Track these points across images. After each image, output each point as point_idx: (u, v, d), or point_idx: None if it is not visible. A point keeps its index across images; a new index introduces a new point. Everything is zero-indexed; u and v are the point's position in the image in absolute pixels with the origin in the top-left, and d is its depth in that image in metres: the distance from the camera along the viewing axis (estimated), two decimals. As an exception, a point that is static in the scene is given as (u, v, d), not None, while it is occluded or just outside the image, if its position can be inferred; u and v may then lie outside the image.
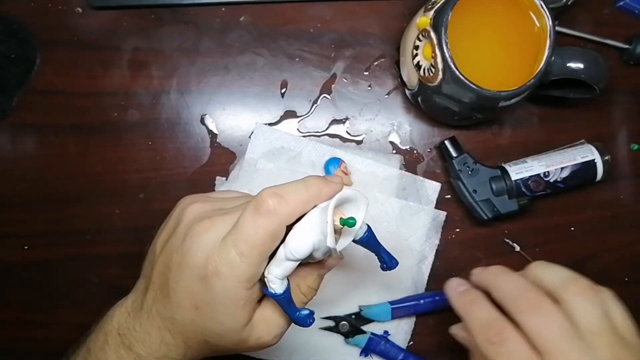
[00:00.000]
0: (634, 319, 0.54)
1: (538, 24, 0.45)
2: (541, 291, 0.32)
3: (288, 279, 0.31)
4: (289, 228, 0.30)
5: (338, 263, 0.35)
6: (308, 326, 0.32)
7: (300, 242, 0.29)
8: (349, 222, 0.29)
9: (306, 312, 0.32)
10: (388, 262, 0.35)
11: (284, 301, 0.31)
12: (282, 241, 0.30)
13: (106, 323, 0.33)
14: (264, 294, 0.32)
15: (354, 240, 0.32)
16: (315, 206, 0.30)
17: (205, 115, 0.53)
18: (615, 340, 0.30)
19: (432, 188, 0.52)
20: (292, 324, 0.33)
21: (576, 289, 0.32)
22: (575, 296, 0.31)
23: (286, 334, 0.34)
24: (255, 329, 0.32)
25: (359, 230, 0.32)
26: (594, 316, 0.30)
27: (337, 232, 0.31)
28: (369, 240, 0.33)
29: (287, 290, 0.31)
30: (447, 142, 0.51)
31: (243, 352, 0.34)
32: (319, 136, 0.53)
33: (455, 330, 0.38)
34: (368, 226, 0.33)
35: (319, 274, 0.34)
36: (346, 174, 0.51)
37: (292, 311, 0.32)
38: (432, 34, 0.43)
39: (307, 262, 0.33)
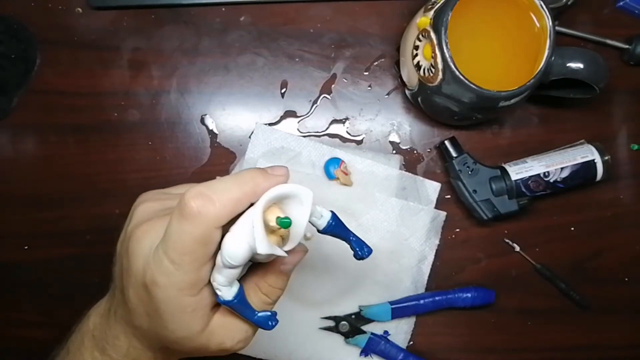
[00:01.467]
0: (634, 318, 0.55)
1: (538, 24, 0.45)
2: None
3: (240, 282, 0.29)
4: (227, 229, 0.27)
5: (301, 258, 0.31)
6: (270, 329, 0.30)
7: (235, 247, 0.26)
8: (283, 223, 0.26)
9: (266, 314, 0.30)
10: (359, 250, 0.31)
11: (237, 306, 0.28)
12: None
13: (84, 324, 0.33)
14: None
15: (319, 231, 0.30)
16: (252, 204, 0.27)
17: (205, 115, 0.53)
18: None
19: (432, 188, 0.52)
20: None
21: None
22: None
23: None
24: (215, 334, 0.29)
25: (319, 221, 0.29)
26: None
27: (278, 234, 0.28)
28: (335, 229, 0.30)
29: (239, 295, 0.28)
30: (447, 142, 0.51)
31: (213, 355, 0.31)
32: (319, 136, 0.53)
33: None
34: (332, 213, 0.30)
35: (281, 271, 0.31)
36: (346, 174, 0.51)
37: (250, 315, 0.29)
38: (432, 34, 0.43)
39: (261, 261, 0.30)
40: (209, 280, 0.28)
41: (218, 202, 0.26)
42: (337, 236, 0.31)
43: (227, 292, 0.28)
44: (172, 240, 0.26)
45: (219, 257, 0.27)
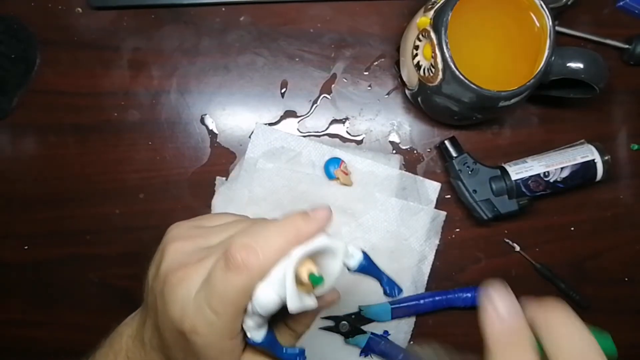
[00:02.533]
0: (634, 318, 0.55)
1: (538, 24, 0.45)
2: None
3: (269, 324, 0.29)
4: None
5: (331, 304, 0.31)
6: None
7: (266, 299, 0.26)
8: (315, 280, 0.26)
9: (294, 352, 0.30)
10: (390, 290, 0.32)
11: (267, 347, 0.29)
12: None
13: (116, 341, 0.33)
14: None
15: (349, 270, 0.30)
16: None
17: (205, 115, 0.53)
18: None
19: (432, 188, 0.52)
20: None
21: None
22: None
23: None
24: None
25: (350, 261, 0.29)
26: None
27: (309, 285, 0.28)
28: (367, 269, 0.30)
29: (269, 336, 0.29)
30: (447, 142, 0.51)
31: None
32: (319, 136, 0.53)
33: None
34: (364, 254, 0.30)
35: (314, 314, 0.31)
36: (346, 174, 0.51)
37: (279, 353, 0.30)
38: (432, 34, 0.43)
39: None
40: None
41: (262, 255, 0.26)
42: (368, 274, 0.31)
43: (257, 335, 0.29)
44: (217, 291, 0.26)
45: (249, 304, 0.27)
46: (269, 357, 0.31)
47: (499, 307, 0.24)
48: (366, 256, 0.30)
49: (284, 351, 0.30)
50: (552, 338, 0.23)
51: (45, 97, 0.52)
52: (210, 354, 0.28)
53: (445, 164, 0.52)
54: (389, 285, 0.32)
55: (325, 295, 0.30)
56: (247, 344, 0.30)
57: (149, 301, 0.31)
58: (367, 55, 0.54)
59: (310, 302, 0.28)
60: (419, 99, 0.49)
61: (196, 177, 0.52)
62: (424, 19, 0.44)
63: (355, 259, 0.29)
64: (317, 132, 0.53)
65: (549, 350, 0.23)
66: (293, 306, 0.26)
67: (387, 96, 0.54)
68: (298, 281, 0.27)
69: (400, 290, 0.32)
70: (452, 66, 0.42)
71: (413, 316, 0.52)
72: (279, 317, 0.31)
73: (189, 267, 0.28)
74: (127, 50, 0.52)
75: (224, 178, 0.52)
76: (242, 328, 0.28)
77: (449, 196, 0.53)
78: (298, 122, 0.53)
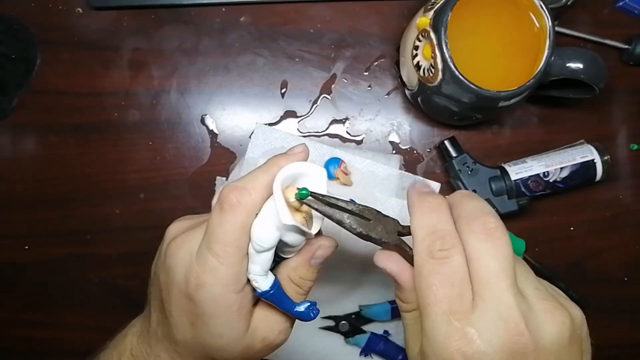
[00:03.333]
0: (634, 318, 0.55)
1: (538, 25, 0.45)
2: (501, 222, 0.27)
3: (275, 275, 0.30)
4: None
5: (330, 251, 0.32)
6: (312, 319, 0.30)
7: (262, 229, 0.28)
8: (301, 194, 0.28)
9: (305, 304, 0.30)
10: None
11: (275, 297, 0.29)
12: None
13: (120, 342, 0.33)
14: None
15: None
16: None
17: (205, 115, 0.53)
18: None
19: (432, 188, 0.52)
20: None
21: None
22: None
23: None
24: (258, 330, 0.30)
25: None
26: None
27: (301, 213, 0.29)
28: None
29: (275, 285, 0.29)
30: (446, 142, 0.51)
31: (256, 358, 0.32)
32: (319, 136, 0.53)
33: (384, 258, 0.30)
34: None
35: (311, 264, 0.31)
36: (346, 174, 0.51)
37: (289, 306, 0.30)
38: (432, 35, 0.43)
39: (294, 253, 0.31)
40: (248, 280, 0.29)
41: (252, 190, 0.28)
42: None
43: (264, 282, 0.29)
44: (215, 233, 0.27)
45: (250, 247, 0.28)
46: (279, 312, 0.31)
47: (417, 186, 0.31)
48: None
49: (295, 305, 0.30)
50: (458, 206, 0.29)
51: (46, 97, 0.52)
52: (217, 312, 0.28)
53: (445, 164, 0.52)
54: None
55: (323, 240, 0.31)
56: (257, 301, 0.31)
57: (153, 290, 0.31)
58: (367, 55, 0.54)
59: (305, 228, 0.28)
60: (418, 99, 0.49)
61: (196, 177, 0.52)
62: (423, 19, 0.44)
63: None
64: (317, 132, 0.53)
65: (454, 210, 0.29)
66: (286, 219, 0.27)
67: (387, 96, 0.54)
68: (290, 208, 0.28)
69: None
70: (452, 66, 0.42)
71: (413, 316, 0.52)
72: (283, 272, 0.31)
73: (187, 232, 0.30)
74: (127, 51, 0.53)
75: (224, 178, 0.52)
76: (249, 281, 0.29)
77: (448, 196, 0.53)
78: (298, 122, 0.53)
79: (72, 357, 0.51)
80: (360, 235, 0.28)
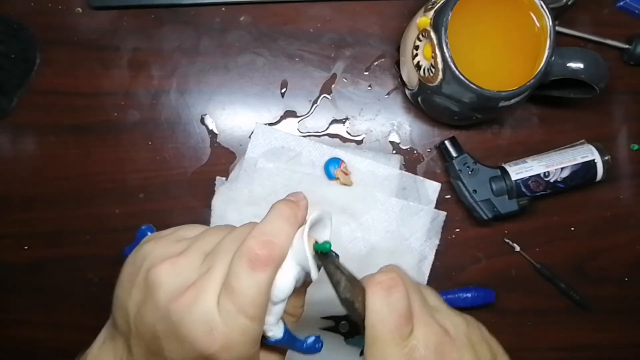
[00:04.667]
0: (634, 318, 0.55)
1: (538, 24, 0.45)
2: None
3: (283, 319, 0.29)
4: None
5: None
6: (318, 351, 0.31)
7: (284, 281, 0.27)
8: (324, 247, 0.27)
9: (311, 338, 0.31)
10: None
11: (287, 341, 0.29)
12: None
13: None
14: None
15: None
16: None
17: (205, 115, 0.53)
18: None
19: (432, 188, 0.52)
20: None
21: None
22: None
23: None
24: None
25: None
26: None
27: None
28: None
29: (286, 329, 0.29)
30: (447, 142, 0.51)
31: None
32: (319, 136, 0.53)
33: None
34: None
35: (299, 292, 0.31)
36: (346, 173, 0.51)
37: (299, 345, 0.30)
38: (432, 34, 0.43)
39: None
40: None
41: (280, 243, 0.26)
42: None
43: (278, 330, 0.28)
44: (249, 295, 0.25)
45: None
46: (274, 351, 0.30)
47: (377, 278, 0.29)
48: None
49: (304, 343, 0.30)
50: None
51: (45, 97, 0.52)
52: None
53: (445, 164, 0.52)
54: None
55: None
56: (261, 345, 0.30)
57: (140, 333, 0.28)
58: (367, 55, 0.54)
59: (315, 275, 0.28)
60: (419, 99, 0.49)
61: (196, 177, 0.52)
62: (424, 19, 0.44)
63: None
64: (317, 132, 0.53)
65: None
66: (316, 275, 0.27)
67: (387, 96, 0.54)
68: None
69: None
70: (452, 66, 0.42)
71: (413, 316, 0.52)
72: None
73: (197, 284, 0.26)
74: (127, 50, 0.52)
75: (224, 178, 0.52)
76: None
77: (449, 196, 0.53)
78: (298, 122, 0.53)
79: (72, 357, 0.51)
80: (345, 301, 0.28)
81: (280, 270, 0.27)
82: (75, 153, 0.52)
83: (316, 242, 0.28)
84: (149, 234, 0.34)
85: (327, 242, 0.28)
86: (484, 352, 0.30)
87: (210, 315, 0.25)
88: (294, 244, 0.27)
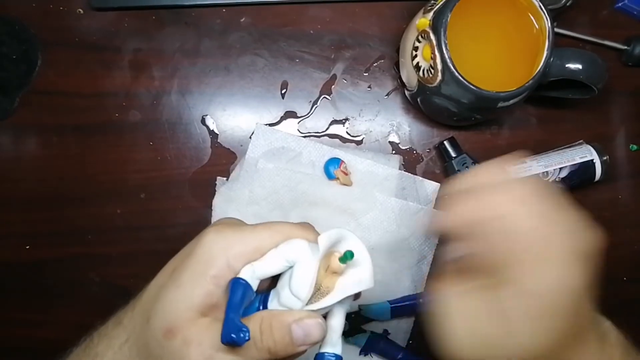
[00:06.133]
0: (634, 318, 0.55)
1: (537, 25, 0.45)
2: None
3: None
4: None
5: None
6: None
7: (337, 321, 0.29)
8: (347, 256, 0.27)
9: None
10: None
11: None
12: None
13: None
14: None
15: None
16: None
17: (206, 115, 0.53)
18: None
19: (432, 188, 0.53)
20: None
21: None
22: None
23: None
24: None
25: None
26: None
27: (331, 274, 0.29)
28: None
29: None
30: (446, 143, 0.52)
31: None
32: (319, 136, 0.53)
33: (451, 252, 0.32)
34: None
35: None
36: (346, 174, 0.51)
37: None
38: (432, 35, 0.43)
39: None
40: None
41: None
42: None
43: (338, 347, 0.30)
44: None
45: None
46: None
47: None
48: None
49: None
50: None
51: (47, 98, 0.52)
52: None
53: (444, 164, 0.53)
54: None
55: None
56: None
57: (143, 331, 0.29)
58: (367, 56, 0.54)
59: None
60: (418, 99, 0.49)
61: (197, 177, 0.52)
62: (423, 20, 0.45)
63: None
64: (317, 132, 0.53)
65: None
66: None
67: (386, 97, 0.54)
68: (330, 270, 0.28)
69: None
70: (451, 67, 0.43)
71: (412, 315, 0.52)
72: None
73: None
74: (128, 51, 0.53)
75: (224, 178, 0.52)
76: None
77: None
78: (298, 122, 0.53)
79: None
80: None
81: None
82: (76, 153, 0.52)
83: (340, 256, 0.28)
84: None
85: (349, 251, 0.28)
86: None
87: None
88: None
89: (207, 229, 0.29)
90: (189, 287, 0.28)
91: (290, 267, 0.28)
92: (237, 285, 0.28)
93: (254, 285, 0.28)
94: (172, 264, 0.31)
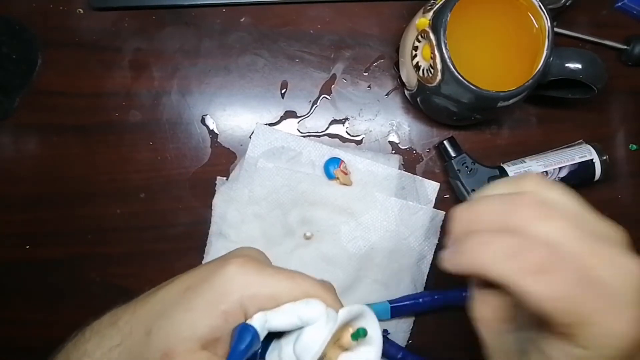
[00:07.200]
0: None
1: (536, 25, 0.45)
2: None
3: None
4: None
5: None
6: None
7: None
8: (359, 333, 0.27)
9: None
10: None
11: None
12: None
13: None
14: None
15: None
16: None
17: (206, 115, 0.53)
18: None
19: (431, 188, 0.53)
20: None
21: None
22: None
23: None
24: None
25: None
26: None
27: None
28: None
29: None
30: (446, 142, 0.52)
31: None
32: (319, 136, 0.54)
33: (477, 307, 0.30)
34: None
35: None
36: (346, 173, 0.51)
37: None
38: (431, 35, 0.43)
39: None
40: None
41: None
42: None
43: None
44: None
45: None
46: None
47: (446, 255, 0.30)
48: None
49: None
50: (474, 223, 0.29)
51: (47, 98, 0.52)
52: None
53: (444, 164, 0.53)
54: None
55: None
56: None
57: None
58: (367, 56, 0.54)
59: None
60: (418, 99, 0.49)
61: (197, 177, 0.52)
62: (423, 20, 0.45)
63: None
64: (317, 132, 0.54)
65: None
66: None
67: (386, 97, 0.54)
68: (338, 342, 0.28)
69: None
70: (451, 67, 0.43)
71: (412, 315, 0.52)
72: None
73: None
74: (128, 51, 0.53)
75: (224, 178, 0.52)
76: None
77: (447, 196, 0.53)
78: (298, 122, 0.53)
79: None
80: None
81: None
82: (76, 153, 0.52)
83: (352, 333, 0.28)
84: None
85: (362, 329, 0.27)
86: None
87: None
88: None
89: (232, 259, 0.29)
90: (198, 315, 0.27)
91: (301, 327, 0.28)
92: (246, 332, 0.27)
93: (262, 335, 0.28)
94: (185, 281, 0.30)
